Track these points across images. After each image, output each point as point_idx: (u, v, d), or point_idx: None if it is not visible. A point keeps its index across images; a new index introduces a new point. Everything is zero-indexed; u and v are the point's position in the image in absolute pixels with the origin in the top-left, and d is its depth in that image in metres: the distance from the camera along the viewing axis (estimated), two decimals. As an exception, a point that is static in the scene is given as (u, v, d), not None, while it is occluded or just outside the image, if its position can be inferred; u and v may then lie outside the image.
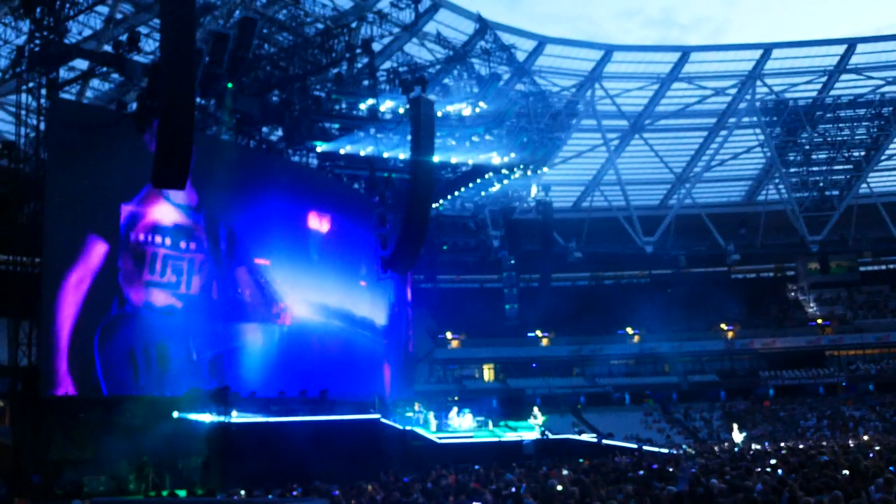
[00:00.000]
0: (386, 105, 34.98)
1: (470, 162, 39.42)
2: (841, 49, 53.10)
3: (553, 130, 43.93)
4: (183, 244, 28.88)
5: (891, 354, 57.75)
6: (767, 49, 53.16)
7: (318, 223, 35.67)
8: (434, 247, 43.45)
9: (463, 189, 41.78)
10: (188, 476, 24.26)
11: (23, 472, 22.32)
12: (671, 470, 17.34)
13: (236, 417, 24.89)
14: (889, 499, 9.43)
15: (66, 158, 25.30)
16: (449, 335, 56.58)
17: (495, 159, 38.93)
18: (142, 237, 27.50)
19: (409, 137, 31.50)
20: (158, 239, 28.01)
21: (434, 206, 38.09)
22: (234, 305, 31.20)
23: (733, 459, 21.85)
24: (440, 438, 30.87)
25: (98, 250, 26.07)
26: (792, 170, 57.75)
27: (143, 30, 28.80)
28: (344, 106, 35.09)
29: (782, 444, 36.39)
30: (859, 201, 58.79)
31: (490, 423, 35.67)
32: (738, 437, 43.17)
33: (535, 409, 38.33)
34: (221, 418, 24.22)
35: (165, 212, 28.31)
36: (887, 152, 58.02)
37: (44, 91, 25.18)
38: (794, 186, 57.96)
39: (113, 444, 23.08)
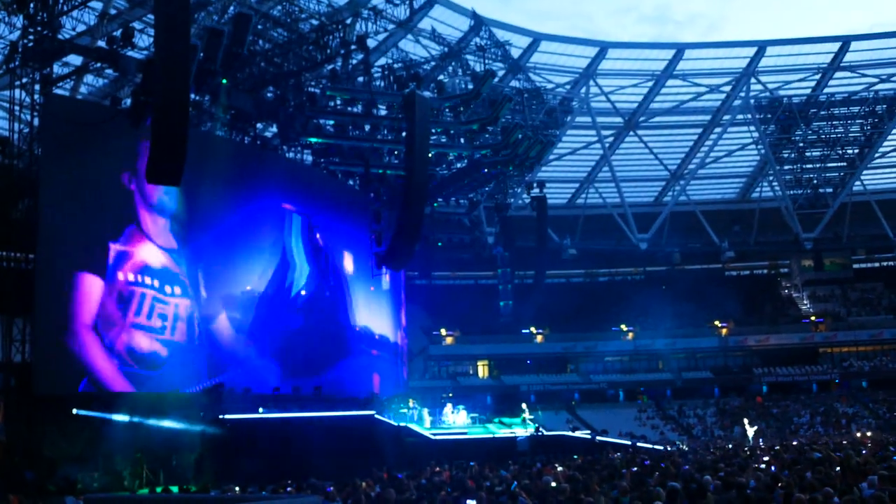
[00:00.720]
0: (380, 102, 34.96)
1: (464, 158, 39.42)
2: (835, 47, 53.23)
3: (548, 127, 43.97)
4: (168, 288, 27.69)
5: (884, 351, 57.93)
6: (762, 46, 53.27)
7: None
8: (429, 243, 43.40)
9: (458, 186, 41.77)
10: (182, 472, 24.25)
11: (16, 469, 22.28)
12: (663, 465, 17.39)
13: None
14: (881, 495, 9.46)
15: (60, 154, 25.20)
16: (443, 332, 56.60)
17: (490, 156, 38.93)
18: (131, 277, 26.30)
19: (403, 134, 31.48)
20: (148, 280, 26.83)
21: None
22: (217, 348, 30.03)
23: (727, 456, 21.95)
24: (434, 435, 30.91)
25: (95, 289, 25.17)
26: (786, 167, 57.92)
27: (137, 25, 28.67)
28: (339, 102, 35.04)
29: (782, 441, 36.58)
30: (853, 199, 58.97)
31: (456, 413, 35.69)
32: (749, 430, 43.44)
33: (524, 405, 38.79)
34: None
35: (152, 253, 27.31)
36: (881, 150, 58.23)
37: (37, 87, 25.12)
38: (788, 184, 58.13)
39: (107, 440, 23.06)
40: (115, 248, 26.04)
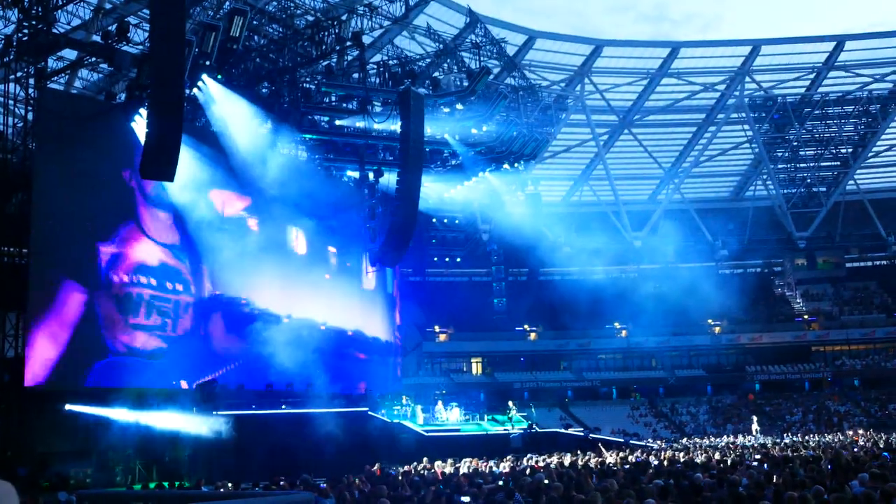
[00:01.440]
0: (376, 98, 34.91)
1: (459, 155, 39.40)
2: (830, 46, 53.37)
3: (543, 125, 43.94)
4: (169, 285, 27.52)
5: (876, 350, 58.13)
6: (757, 45, 53.38)
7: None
8: (423, 240, 43.41)
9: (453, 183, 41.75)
10: (176, 468, 24.22)
11: (8, 464, 22.22)
12: (656, 463, 17.44)
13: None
14: (870, 493, 9.52)
15: (55, 149, 25.10)
16: (437, 328, 56.57)
17: (485, 153, 38.92)
18: (126, 278, 26.05)
19: (398, 130, 31.47)
20: (144, 279, 26.62)
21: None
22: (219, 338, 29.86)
23: (720, 453, 22.02)
24: (427, 431, 30.94)
25: (75, 299, 24.63)
26: (780, 166, 58.10)
27: (132, 20, 28.60)
28: (333, 99, 34.99)
29: (774, 440, 36.71)
30: (846, 198, 59.18)
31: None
32: (755, 427, 43.64)
33: (510, 403, 39.06)
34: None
35: (150, 251, 27.11)
36: (874, 149, 58.42)
37: (32, 81, 25.02)
38: (782, 182, 58.31)
39: (100, 436, 23.02)
40: (106, 250, 25.71)
